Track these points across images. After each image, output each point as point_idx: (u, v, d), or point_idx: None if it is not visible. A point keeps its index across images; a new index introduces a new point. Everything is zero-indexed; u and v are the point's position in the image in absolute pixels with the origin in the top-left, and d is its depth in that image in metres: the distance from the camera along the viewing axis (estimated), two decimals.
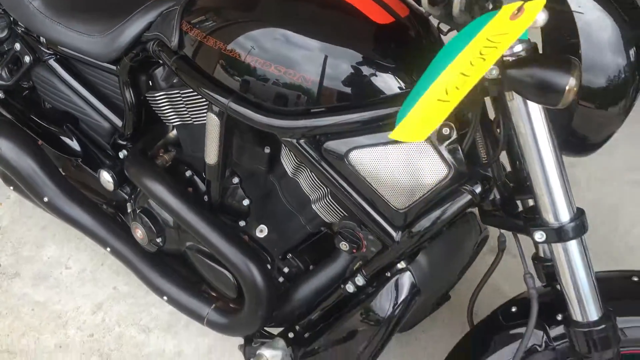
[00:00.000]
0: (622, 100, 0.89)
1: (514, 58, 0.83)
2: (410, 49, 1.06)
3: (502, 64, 0.83)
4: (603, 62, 0.87)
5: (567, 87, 0.76)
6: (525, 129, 0.90)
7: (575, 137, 0.94)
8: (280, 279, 1.37)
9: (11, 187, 1.68)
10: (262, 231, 1.37)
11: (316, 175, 1.12)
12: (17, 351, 1.67)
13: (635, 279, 1.08)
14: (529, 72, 0.79)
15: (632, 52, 0.87)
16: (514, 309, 1.11)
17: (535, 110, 0.89)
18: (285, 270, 1.37)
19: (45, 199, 1.55)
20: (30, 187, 1.56)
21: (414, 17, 1.08)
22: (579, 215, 0.94)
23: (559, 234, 0.93)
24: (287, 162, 1.23)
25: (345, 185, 1.07)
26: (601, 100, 0.89)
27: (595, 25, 0.85)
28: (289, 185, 1.28)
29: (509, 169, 1.09)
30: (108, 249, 1.55)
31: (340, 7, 1.05)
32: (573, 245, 0.94)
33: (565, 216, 0.93)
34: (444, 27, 1.04)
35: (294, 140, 1.06)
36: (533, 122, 0.89)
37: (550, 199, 0.93)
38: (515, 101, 0.88)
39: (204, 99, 1.23)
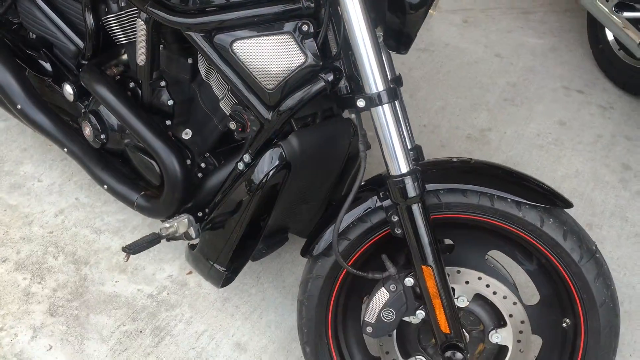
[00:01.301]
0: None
1: None
2: None
3: None
4: None
5: None
6: (349, 20, 1.20)
7: (392, 33, 1.24)
8: (199, 174, 1.67)
9: None
10: (187, 134, 1.67)
11: (209, 63, 1.42)
12: None
13: (455, 160, 1.36)
14: None
15: None
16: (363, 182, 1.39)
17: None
18: (203, 165, 1.67)
19: (18, 106, 1.88)
20: (7, 97, 1.89)
21: None
22: (391, 86, 1.23)
23: (374, 100, 1.22)
24: (202, 67, 1.53)
25: (230, 71, 1.37)
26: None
27: None
28: (206, 91, 1.59)
29: None
30: (65, 149, 1.86)
31: None
32: (387, 109, 1.22)
33: (380, 86, 1.22)
34: None
35: (193, 34, 1.37)
36: (351, 14, 1.19)
37: (369, 73, 1.22)
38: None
39: None
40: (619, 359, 1.49)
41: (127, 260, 1.63)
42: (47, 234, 2.02)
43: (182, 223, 1.59)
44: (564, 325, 1.40)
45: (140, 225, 2.04)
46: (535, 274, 1.41)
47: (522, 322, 1.38)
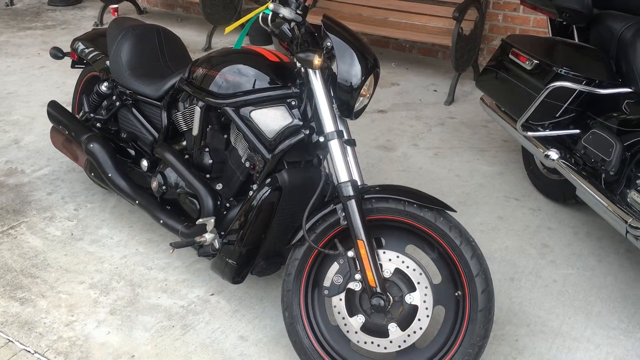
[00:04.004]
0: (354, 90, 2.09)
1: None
2: (283, 69, 2.31)
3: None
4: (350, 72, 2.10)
5: (315, 61, 2.00)
6: (317, 99, 2.10)
7: (341, 105, 2.13)
8: (224, 212, 2.50)
9: (92, 174, 2.94)
10: (219, 186, 2.55)
11: (236, 127, 2.33)
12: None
13: (385, 184, 2.17)
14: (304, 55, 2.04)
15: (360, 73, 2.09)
16: None
17: (318, 82, 2.11)
18: (227, 205, 2.51)
19: (109, 175, 2.80)
20: (102, 168, 2.82)
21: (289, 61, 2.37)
22: (340, 129, 2.10)
23: (327, 136, 2.08)
24: (232, 136, 2.46)
25: (247, 129, 2.28)
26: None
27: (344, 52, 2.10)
28: (233, 155, 2.49)
29: None
30: (136, 202, 2.73)
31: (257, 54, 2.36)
32: (335, 143, 2.07)
33: (331, 129, 2.08)
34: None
35: (227, 109, 2.31)
36: (318, 96, 2.10)
37: (325, 121, 2.10)
38: (309, 73, 2.11)
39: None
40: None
41: (172, 252, 2.39)
42: (113, 269, 2.81)
43: (210, 236, 2.38)
44: (457, 295, 2.09)
45: (180, 266, 2.82)
46: (437, 260, 2.13)
47: (426, 287, 2.08)
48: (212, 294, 2.65)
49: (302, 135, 2.21)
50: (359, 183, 2.14)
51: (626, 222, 2.44)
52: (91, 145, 2.84)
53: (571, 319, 2.53)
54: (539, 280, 2.76)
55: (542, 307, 2.60)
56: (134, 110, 2.89)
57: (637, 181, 2.52)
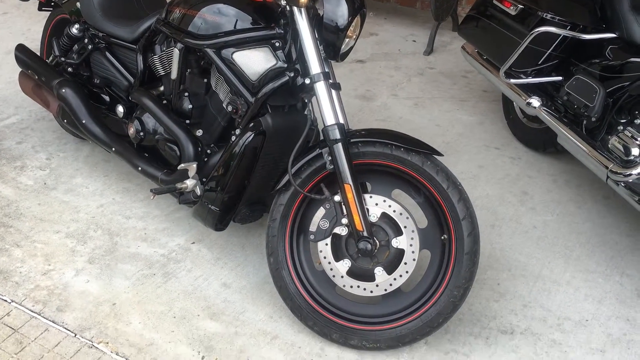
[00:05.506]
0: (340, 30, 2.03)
1: None
2: (267, 9, 2.22)
3: None
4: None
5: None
6: (302, 39, 2.03)
7: (327, 46, 2.07)
8: (205, 159, 2.44)
9: (65, 120, 2.83)
10: (199, 132, 2.47)
11: (217, 70, 2.25)
12: None
13: (372, 128, 2.13)
14: None
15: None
16: None
17: (304, 21, 2.03)
18: (208, 152, 2.44)
19: (83, 121, 2.70)
20: (75, 115, 2.72)
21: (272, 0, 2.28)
22: (326, 71, 2.03)
23: (313, 78, 2.02)
24: (212, 80, 2.37)
25: (230, 72, 2.20)
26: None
27: None
28: (214, 100, 2.41)
29: None
30: (113, 149, 2.65)
31: None
32: (322, 84, 2.02)
33: (317, 70, 2.02)
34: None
35: (208, 50, 2.22)
36: (304, 36, 2.03)
37: (311, 63, 2.03)
38: (294, 12, 2.03)
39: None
40: None
41: (153, 198, 2.33)
42: (90, 218, 2.73)
43: (192, 182, 2.32)
44: (443, 239, 2.09)
45: (159, 215, 2.76)
46: (423, 205, 2.11)
47: (413, 231, 2.07)
48: (193, 242, 2.61)
49: (287, 77, 2.15)
50: (345, 127, 2.10)
51: (607, 167, 2.45)
52: (63, 91, 2.73)
53: (551, 263, 2.56)
54: (519, 226, 2.78)
55: (522, 252, 2.62)
56: (108, 54, 2.77)
57: (619, 127, 2.53)
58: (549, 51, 2.78)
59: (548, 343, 2.19)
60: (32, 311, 2.22)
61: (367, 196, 2.09)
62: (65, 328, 2.16)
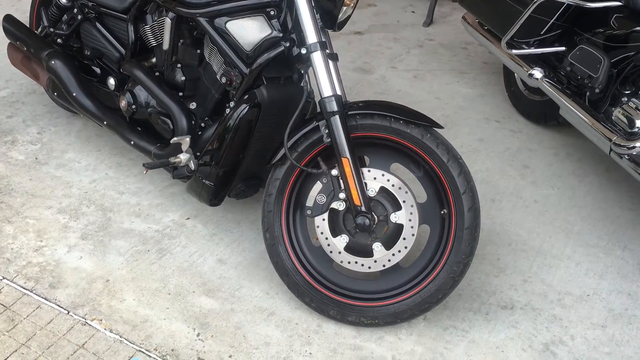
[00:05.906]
0: None
1: None
2: None
3: None
4: None
5: None
6: (299, 8, 1.95)
7: (324, 15, 2.00)
8: (199, 132, 2.38)
9: (55, 93, 2.76)
10: (193, 105, 2.40)
11: (210, 40, 2.18)
12: None
13: (370, 100, 2.06)
14: None
15: None
16: None
17: None
18: (202, 125, 2.38)
19: (74, 94, 2.62)
20: (65, 87, 2.64)
21: None
22: (323, 40, 1.96)
23: (309, 48, 1.95)
24: (206, 51, 2.30)
25: (223, 42, 2.12)
26: None
27: None
28: (207, 71, 2.34)
29: None
30: (104, 123, 2.58)
31: None
32: (319, 54, 1.95)
33: (314, 39, 1.95)
34: None
35: (201, 19, 2.14)
36: (300, 4, 1.95)
37: (308, 32, 1.96)
38: None
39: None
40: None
41: (146, 172, 2.28)
42: (82, 193, 2.68)
43: (185, 157, 2.26)
44: (442, 213, 2.04)
45: (153, 190, 2.71)
46: (422, 179, 2.06)
47: (412, 205, 2.02)
48: (188, 218, 2.56)
49: (282, 47, 2.07)
50: (343, 99, 2.04)
51: (610, 140, 2.40)
52: (53, 62, 2.65)
53: (552, 237, 2.52)
54: (519, 200, 2.73)
55: (523, 226, 2.58)
56: (98, 25, 2.69)
57: (623, 99, 2.47)
58: (552, 20, 2.70)
59: (548, 318, 2.16)
60: (24, 288, 2.18)
61: (365, 170, 2.04)
62: (58, 305, 2.12)
